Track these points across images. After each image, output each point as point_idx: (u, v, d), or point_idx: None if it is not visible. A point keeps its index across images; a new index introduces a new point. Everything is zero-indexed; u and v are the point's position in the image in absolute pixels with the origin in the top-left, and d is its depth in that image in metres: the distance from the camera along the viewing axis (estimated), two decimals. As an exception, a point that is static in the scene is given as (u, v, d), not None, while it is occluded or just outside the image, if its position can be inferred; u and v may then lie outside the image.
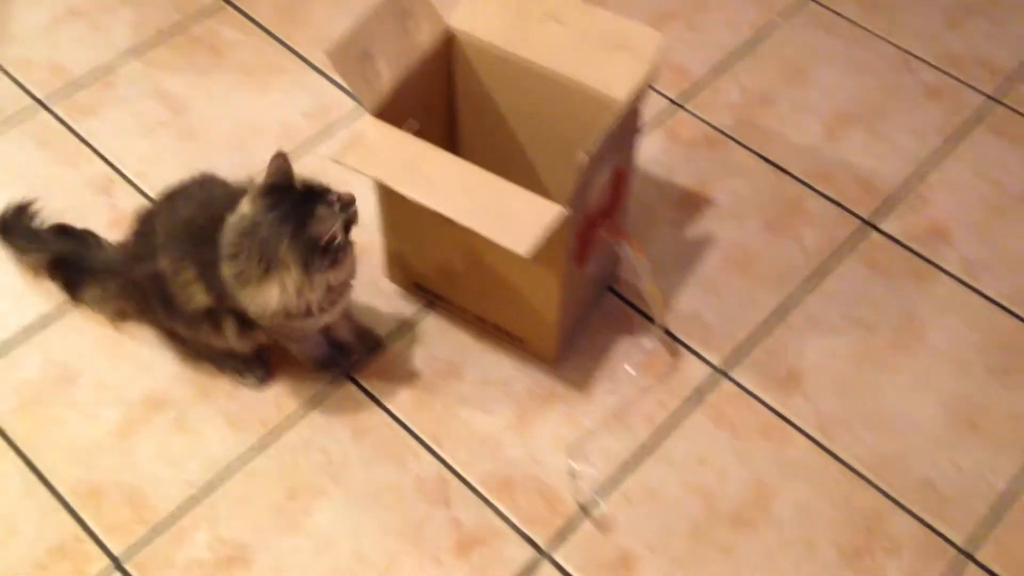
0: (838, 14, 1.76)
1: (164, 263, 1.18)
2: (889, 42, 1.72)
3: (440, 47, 1.26)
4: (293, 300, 1.10)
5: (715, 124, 1.60)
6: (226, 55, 1.67)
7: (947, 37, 1.73)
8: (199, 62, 1.66)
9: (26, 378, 1.30)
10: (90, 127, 1.56)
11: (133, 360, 1.31)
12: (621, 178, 1.24)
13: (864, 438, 1.28)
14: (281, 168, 1.11)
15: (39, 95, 1.60)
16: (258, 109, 1.60)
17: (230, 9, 1.74)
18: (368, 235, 1.42)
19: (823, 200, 1.51)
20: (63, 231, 1.37)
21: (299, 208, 1.09)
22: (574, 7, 1.20)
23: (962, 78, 1.67)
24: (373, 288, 1.39)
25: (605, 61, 1.19)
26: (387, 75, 1.19)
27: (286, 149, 1.51)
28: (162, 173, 1.50)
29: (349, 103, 1.60)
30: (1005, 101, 1.64)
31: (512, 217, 1.09)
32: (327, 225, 1.09)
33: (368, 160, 1.15)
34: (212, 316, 1.19)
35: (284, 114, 1.59)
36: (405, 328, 1.36)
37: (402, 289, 1.39)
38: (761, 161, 1.56)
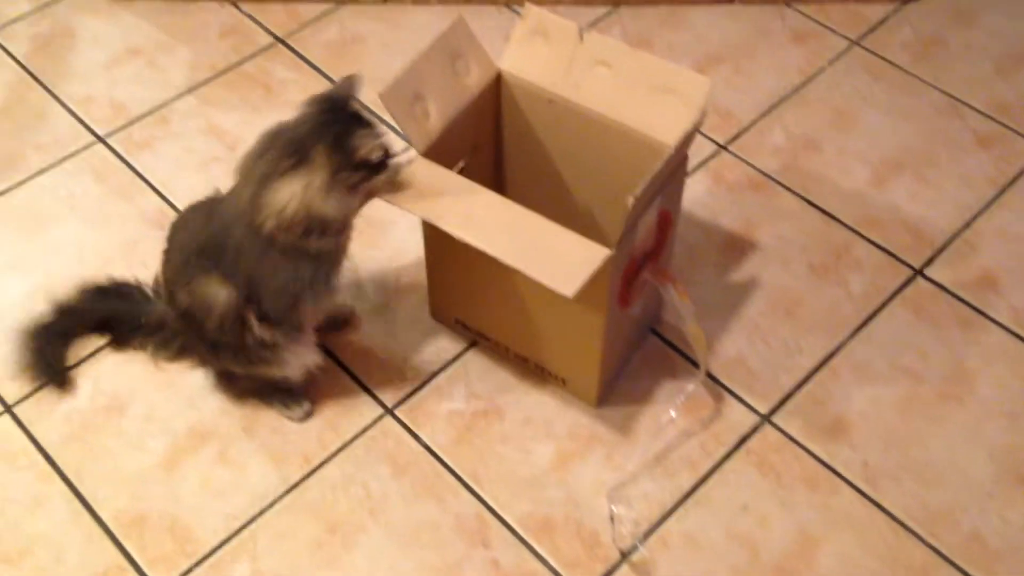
0: (886, 60, 1.76)
1: (182, 296, 1.19)
2: (938, 89, 1.71)
3: (489, 88, 1.28)
4: (314, 201, 1.09)
5: (761, 168, 1.60)
6: (278, 93, 1.71)
7: (997, 85, 1.72)
8: (252, 99, 1.69)
9: (75, 407, 1.32)
10: (145, 161, 1.60)
11: (181, 392, 1.33)
12: (666, 220, 1.24)
13: (911, 490, 1.25)
14: (345, 87, 1.15)
15: (98, 131, 1.64)
16: (308, 146, 1.63)
17: (283, 48, 1.78)
18: (414, 272, 1.44)
19: (870, 246, 1.50)
20: (102, 292, 1.36)
21: (345, 122, 1.11)
22: (623, 52, 1.22)
23: (1013, 126, 1.66)
24: (417, 324, 1.40)
25: (653, 105, 1.19)
26: (436, 116, 1.21)
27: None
28: (213, 208, 1.53)
29: (398, 142, 1.62)
30: (1057, 150, 1.63)
31: (557, 258, 1.09)
32: (366, 144, 1.10)
33: (416, 198, 1.16)
34: (239, 315, 1.17)
35: (333, 152, 1.62)
36: (447, 365, 1.36)
37: (445, 326, 1.40)
38: (807, 206, 1.55)
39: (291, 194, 1.09)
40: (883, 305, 1.43)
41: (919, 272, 1.47)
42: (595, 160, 1.29)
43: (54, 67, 1.74)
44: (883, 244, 1.50)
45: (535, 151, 1.35)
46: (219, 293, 1.16)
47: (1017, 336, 1.40)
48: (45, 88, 1.70)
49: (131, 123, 1.65)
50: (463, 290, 1.33)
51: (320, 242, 1.14)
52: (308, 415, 1.30)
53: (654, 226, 1.22)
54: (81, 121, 1.65)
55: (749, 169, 1.60)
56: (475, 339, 1.38)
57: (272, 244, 1.13)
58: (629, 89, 1.21)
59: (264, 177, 1.11)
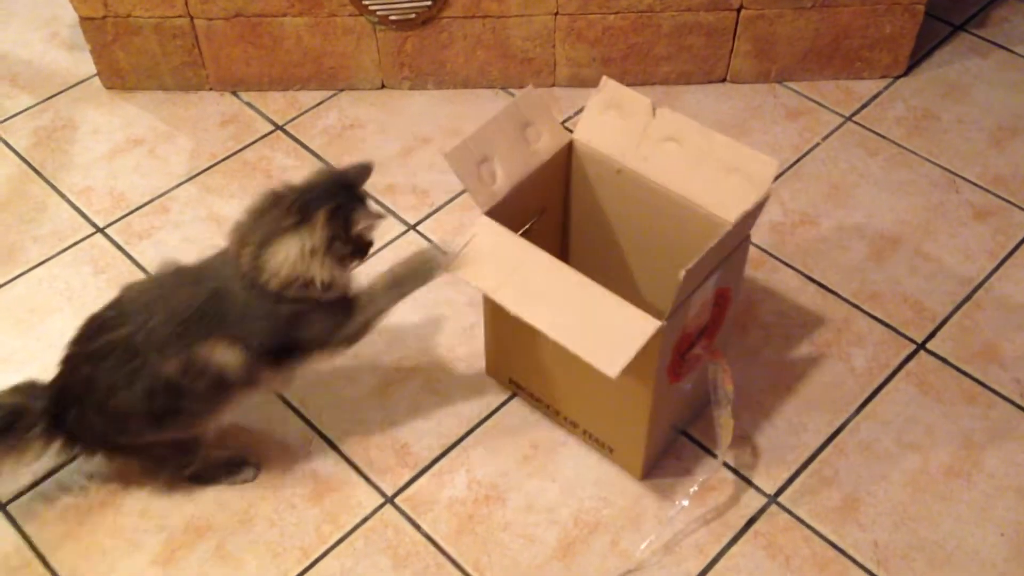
0: (880, 135, 1.77)
1: (168, 364, 1.15)
2: (933, 162, 1.73)
3: (559, 155, 1.32)
4: (310, 262, 1.12)
5: (759, 244, 1.60)
6: (278, 179, 1.71)
7: (992, 158, 1.73)
8: (252, 186, 1.71)
9: (68, 503, 1.30)
10: (144, 251, 1.60)
11: (176, 486, 1.31)
12: (725, 298, 1.24)
13: (923, 571, 1.22)
14: (357, 170, 1.18)
15: (98, 221, 1.65)
16: (307, 232, 1.63)
17: (282, 135, 1.80)
18: (415, 356, 1.43)
19: (871, 320, 1.49)
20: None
21: (350, 197, 1.16)
22: (694, 129, 1.24)
23: (1009, 198, 1.66)
24: (417, 409, 1.38)
25: (719, 183, 1.22)
26: (503, 178, 1.25)
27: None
28: (212, 296, 1.53)
29: (398, 227, 1.63)
30: (1054, 220, 1.63)
31: (607, 332, 1.10)
32: (365, 221, 1.15)
33: (473, 263, 1.18)
34: (247, 373, 1.17)
35: (332, 237, 1.62)
36: (448, 450, 1.34)
37: (499, 384, 1.41)
38: (807, 281, 1.55)
39: (288, 253, 1.12)
40: (887, 380, 1.42)
41: (921, 346, 1.46)
42: (659, 232, 1.31)
43: (55, 159, 1.76)
44: (884, 319, 1.50)
45: (600, 219, 1.38)
46: (226, 354, 1.16)
47: (1022, 409, 1.38)
48: (46, 180, 1.72)
49: (131, 213, 1.66)
50: (518, 352, 1.34)
51: (328, 294, 1.16)
52: (258, 471, 1.31)
53: (711, 302, 1.22)
54: (81, 212, 1.67)
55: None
56: (527, 399, 1.38)
57: (281, 300, 1.14)
58: (697, 165, 1.23)
59: (266, 237, 1.13)
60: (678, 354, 1.19)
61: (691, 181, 1.24)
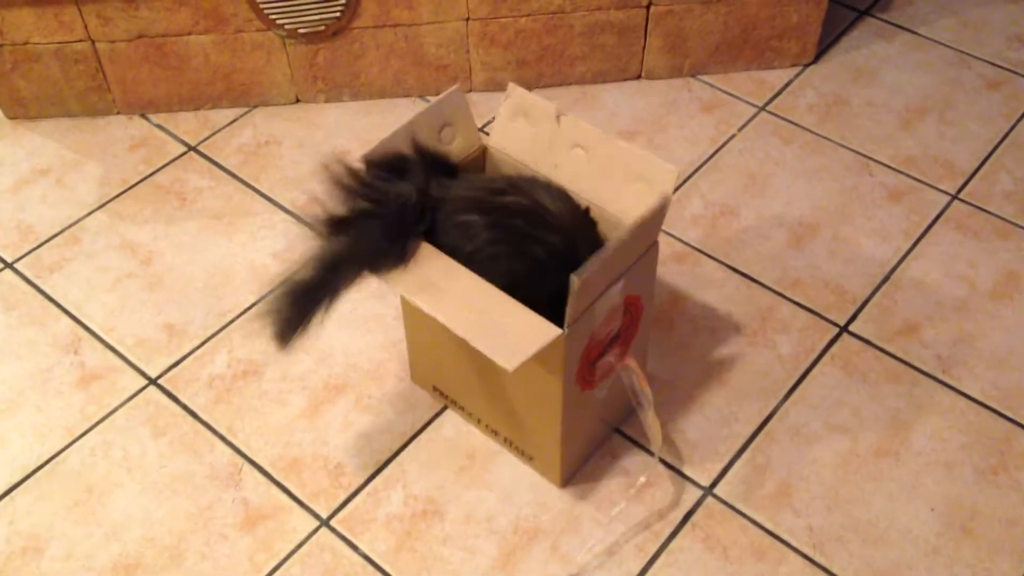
0: (794, 123, 1.80)
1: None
2: (846, 147, 1.76)
3: (474, 160, 1.31)
4: None
5: (682, 238, 1.61)
6: (193, 201, 1.68)
7: (902, 139, 1.77)
8: (166, 211, 1.67)
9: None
10: (56, 284, 1.56)
11: (103, 524, 1.28)
12: (636, 305, 1.24)
13: (858, 551, 1.24)
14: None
15: (5, 257, 1.60)
16: (227, 253, 1.60)
17: (196, 156, 1.76)
18: (342, 374, 1.41)
19: (794, 307, 1.51)
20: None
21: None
22: (598, 138, 1.24)
23: (920, 177, 1.70)
24: (348, 427, 1.37)
25: (625, 190, 1.22)
26: None
27: (256, 290, 1.53)
28: (130, 326, 1.50)
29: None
30: (965, 198, 1.67)
31: (510, 334, 1.09)
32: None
33: None
34: None
35: (253, 256, 1.60)
36: (383, 467, 1.33)
37: (425, 391, 1.40)
38: (730, 272, 1.57)
39: None
40: (812, 365, 1.44)
41: (844, 329, 1.48)
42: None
43: (-42, 194, 1.70)
44: (807, 304, 1.52)
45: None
46: None
47: (946, 385, 1.41)
48: (-51, 217, 1.66)
49: (40, 246, 1.61)
50: (437, 360, 1.33)
51: None
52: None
53: (620, 309, 1.21)
54: (-12, 248, 1.61)
55: (671, 240, 1.61)
56: (453, 409, 1.37)
57: None
58: (603, 173, 1.23)
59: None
60: (587, 362, 1.19)
61: (600, 188, 1.24)
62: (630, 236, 1.12)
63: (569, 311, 1.09)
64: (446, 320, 1.10)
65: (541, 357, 1.08)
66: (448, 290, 1.14)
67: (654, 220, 1.17)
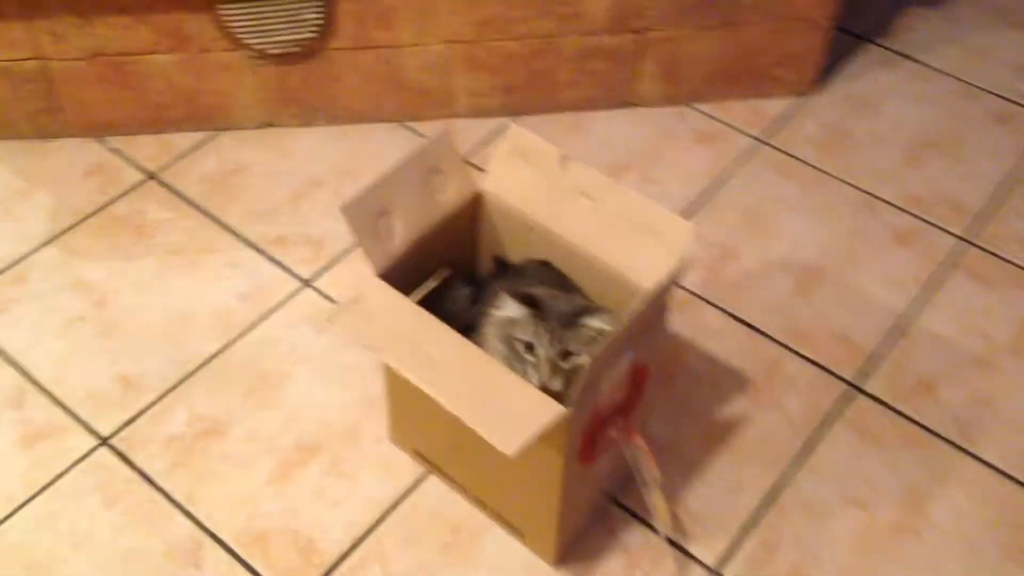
0: (794, 157, 1.70)
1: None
2: (849, 184, 1.66)
3: (467, 206, 1.20)
4: None
5: (680, 282, 1.51)
6: (152, 235, 1.55)
7: (908, 176, 1.68)
8: (122, 245, 1.53)
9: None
10: None
11: None
12: (641, 374, 1.13)
13: (878, 640, 1.15)
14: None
15: (-57, 296, 1.46)
16: (188, 294, 1.47)
17: (155, 184, 1.63)
18: (314, 434, 1.29)
19: (801, 361, 1.42)
20: None
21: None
22: (606, 186, 1.13)
23: (927, 218, 1.61)
24: (323, 494, 1.24)
25: (634, 246, 1.11)
26: (402, 234, 1.12)
27: (220, 337, 1.40)
28: (81, 377, 1.37)
29: (291, 283, 1.48)
30: (976, 241, 1.58)
31: (507, 411, 0.98)
32: None
33: (364, 326, 1.05)
34: None
35: (217, 298, 1.47)
36: (360, 542, 1.21)
37: (406, 453, 1.28)
38: (732, 320, 1.46)
39: None
40: (823, 427, 1.34)
41: (855, 387, 1.39)
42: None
43: None
44: (814, 358, 1.42)
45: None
46: None
47: (964, 451, 1.32)
48: None
49: (-18, 285, 1.48)
50: (421, 423, 1.22)
51: None
52: None
53: (626, 379, 1.10)
54: (-76, 286, 1.47)
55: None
56: (436, 474, 1.26)
57: None
58: (610, 226, 1.13)
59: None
60: (589, 437, 1.08)
61: (606, 242, 1.13)
62: (646, 306, 1.01)
63: (575, 389, 0.98)
64: (437, 395, 0.99)
65: (541, 434, 0.97)
66: (433, 352, 1.02)
67: (669, 286, 1.06)
